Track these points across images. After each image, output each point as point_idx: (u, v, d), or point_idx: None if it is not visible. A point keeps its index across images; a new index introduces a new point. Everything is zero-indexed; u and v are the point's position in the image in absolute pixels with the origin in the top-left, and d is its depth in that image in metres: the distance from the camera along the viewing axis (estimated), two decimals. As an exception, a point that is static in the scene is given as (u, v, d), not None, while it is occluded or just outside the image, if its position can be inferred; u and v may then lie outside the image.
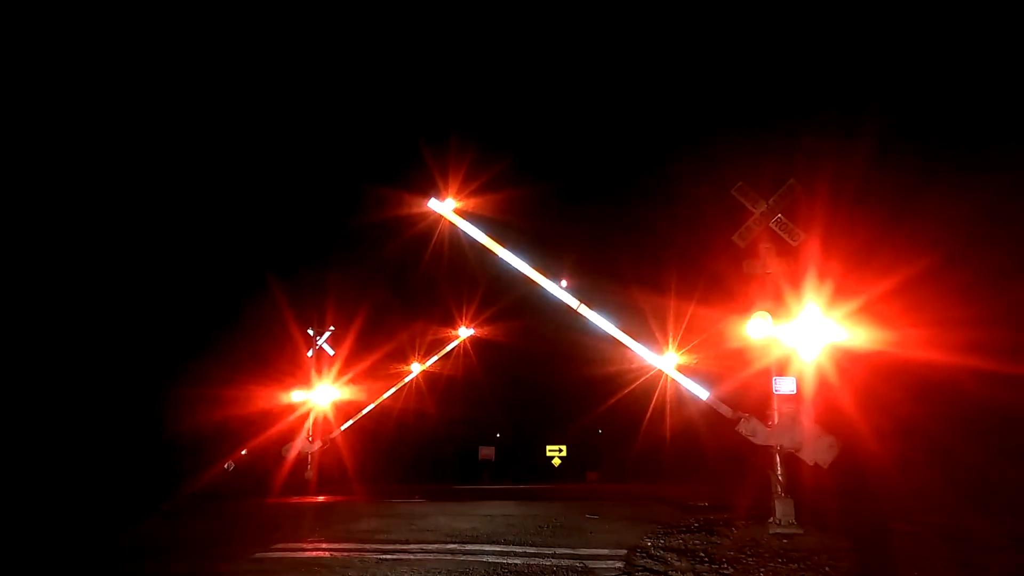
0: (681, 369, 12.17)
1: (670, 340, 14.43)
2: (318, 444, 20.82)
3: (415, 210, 16.50)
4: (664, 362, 12.31)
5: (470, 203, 15.51)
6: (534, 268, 13.84)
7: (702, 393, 11.65)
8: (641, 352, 12.40)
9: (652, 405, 19.61)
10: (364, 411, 21.82)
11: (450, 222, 14.98)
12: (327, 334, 21.84)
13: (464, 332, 23.28)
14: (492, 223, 15.51)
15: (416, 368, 22.65)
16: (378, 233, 21.05)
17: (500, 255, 14.01)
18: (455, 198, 15.29)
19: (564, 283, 13.67)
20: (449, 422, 25.71)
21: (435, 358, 22.99)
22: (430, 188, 15.72)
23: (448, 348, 23.15)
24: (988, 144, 15.74)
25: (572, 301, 13.03)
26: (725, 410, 11.35)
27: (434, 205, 15.17)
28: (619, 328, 12.49)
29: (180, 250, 22.39)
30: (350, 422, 21.60)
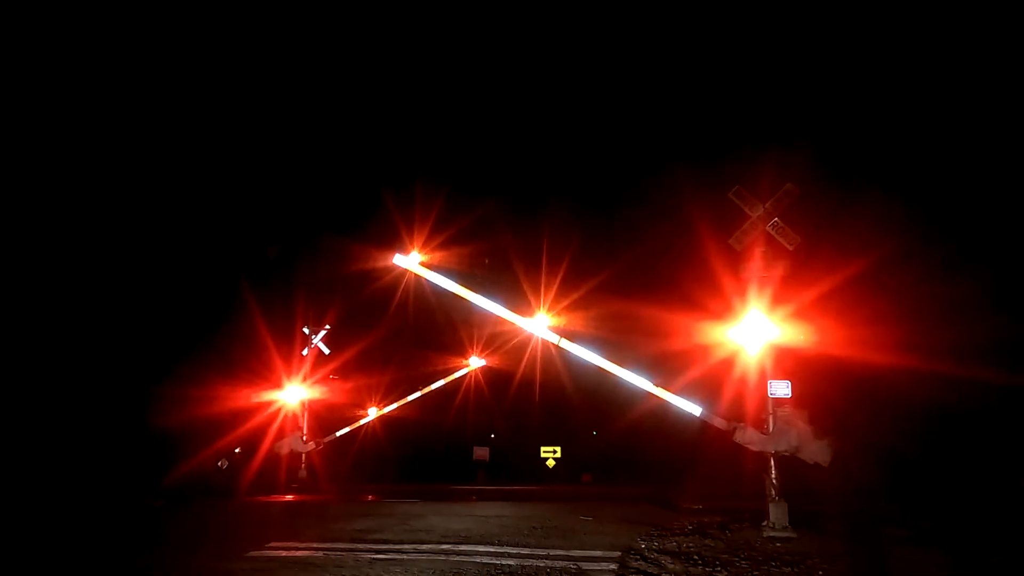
0: (670, 388, 12.38)
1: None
2: (312, 445, 20.80)
3: (380, 264, 16.90)
4: (649, 384, 12.49)
5: (436, 255, 15.90)
6: (511, 309, 14.36)
7: (695, 410, 11.86)
8: (630, 378, 12.64)
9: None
10: (361, 422, 22.02)
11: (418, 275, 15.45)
12: (323, 332, 21.82)
13: (475, 362, 23.52)
14: (463, 272, 15.86)
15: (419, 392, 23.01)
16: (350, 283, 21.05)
17: (474, 302, 14.26)
18: (420, 251, 15.68)
19: (547, 324, 14.13)
20: (443, 426, 25.69)
21: (442, 382, 23.19)
22: (393, 239, 16.21)
23: (457, 375, 23.39)
24: (929, 145, 16.45)
25: (553, 338, 13.56)
26: (719, 422, 11.56)
27: (399, 261, 15.49)
28: (605, 357, 12.90)
29: (164, 249, 22.32)
30: (346, 430, 21.64)
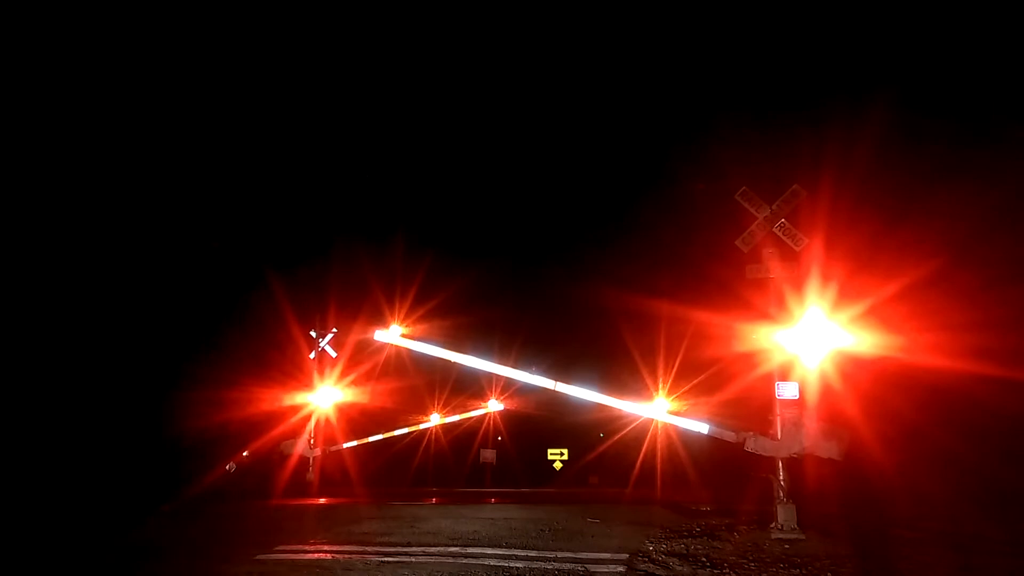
0: (675, 412, 12.36)
1: (660, 386, 14.93)
2: (318, 451, 20.82)
3: (363, 338, 17.18)
4: (655, 409, 12.51)
5: (418, 326, 16.25)
6: (502, 362, 14.73)
7: (702, 428, 11.80)
8: (629, 407, 12.69)
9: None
10: (372, 438, 22.16)
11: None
12: (329, 336, 21.85)
13: (494, 405, 23.75)
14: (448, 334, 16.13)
15: (435, 419, 23.27)
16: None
17: (461, 363, 14.52)
18: (401, 324, 15.99)
19: (534, 369, 14.50)
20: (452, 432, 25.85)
21: (458, 416, 23.43)
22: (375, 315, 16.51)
23: (474, 413, 23.67)
24: (996, 144, 15.74)
25: (548, 383, 13.59)
26: (729, 436, 11.42)
27: (380, 336, 15.72)
28: (603, 390, 13.09)
29: (180, 252, 22.41)
30: (355, 443, 21.71)
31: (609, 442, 22.11)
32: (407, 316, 16.34)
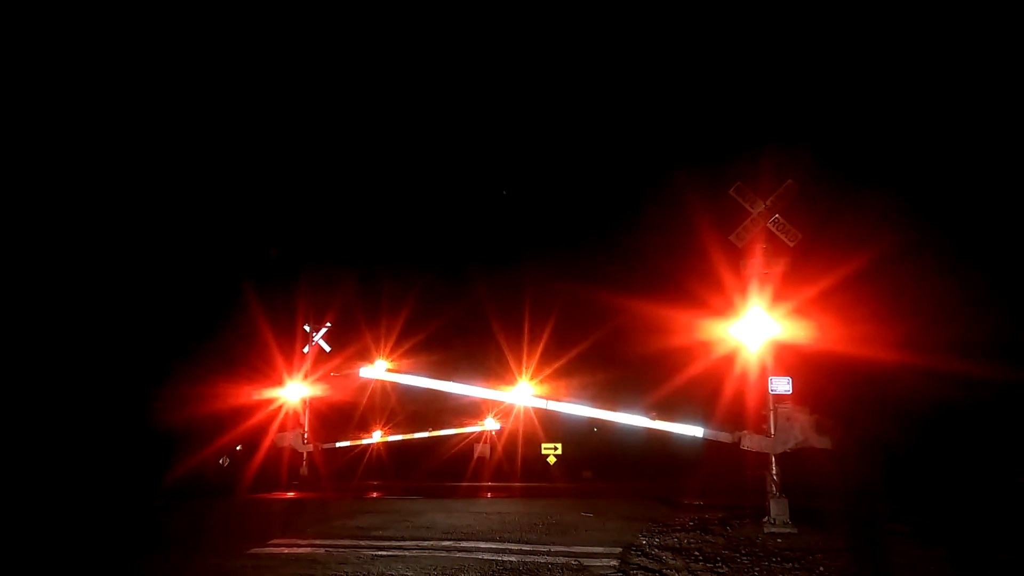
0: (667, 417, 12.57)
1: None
2: (311, 447, 20.80)
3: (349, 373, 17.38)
4: (646, 420, 12.71)
5: (403, 360, 16.42)
6: (493, 387, 14.96)
7: (696, 431, 11.95)
8: (622, 418, 12.87)
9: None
10: (368, 440, 22.16)
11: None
12: (323, 330, 21.81)
13: (491, 424, 23.87)
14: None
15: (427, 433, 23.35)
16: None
17: (450, 391, 14.77)
18: (386, 358, 16.16)
19: (528, 389, 14.70)
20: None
21: (453, 431, 23.57)
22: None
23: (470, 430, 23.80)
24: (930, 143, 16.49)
25: (541, 403, 14.24)
26: (724, 437, 11.65)
27: (366, 372, 15.93)
28: (594, 404, 13.40)
29: (164, 247, 22.36)
30: (347, 443, 21.71)
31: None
32: (392, 350, 16.75)
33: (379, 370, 16.36)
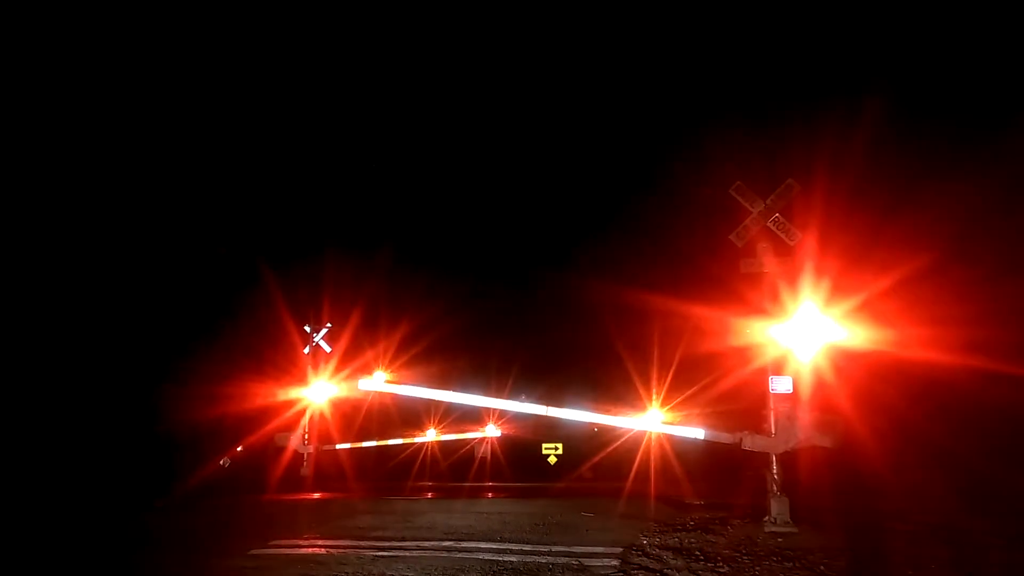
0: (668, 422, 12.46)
1: (653, 396, 15.13)
2: (310, 448, 20.78)
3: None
4: (650, 422, 12.61)
5: (401, 372, 16.56)
6: (491, 395, 15.14)
7: (697, 434, 11.84)
8: (623, 422, 12.82)
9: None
10: (367, 444, 22.18)
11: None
12: (324, 330, 21.79)
13: (492, 431, 23.92)
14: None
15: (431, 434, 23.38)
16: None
17: (451, 400, 14.81)
18: (385, 370, 16.28)
19: (523, 397, 14.77)
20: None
21: (455, 436, 23.59)
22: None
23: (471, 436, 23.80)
24: (988, 138, 15.75)
25: (540, 409, 13.89)
26: (725, 438, 11.46)
27: (365, 384, 16.02)
28: (596, 404, 13.75)
29: (173, 245, 22.34)
30: (349, 445, 21.68)
31: (607, 449, 22.19)
32: (392, 360, 16.90)
33: (378, 382, 16.49)
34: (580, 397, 15.42)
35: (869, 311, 10.80)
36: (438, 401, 19.12)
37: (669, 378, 16.96)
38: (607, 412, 13.60)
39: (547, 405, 13.77)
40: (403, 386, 16.23)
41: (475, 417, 24.74)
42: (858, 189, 10.93)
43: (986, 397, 13.31)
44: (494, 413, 24.06)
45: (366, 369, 17.26)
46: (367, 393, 17.47)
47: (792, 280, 10.80)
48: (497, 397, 15.81)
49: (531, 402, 14.91)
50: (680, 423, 12.72)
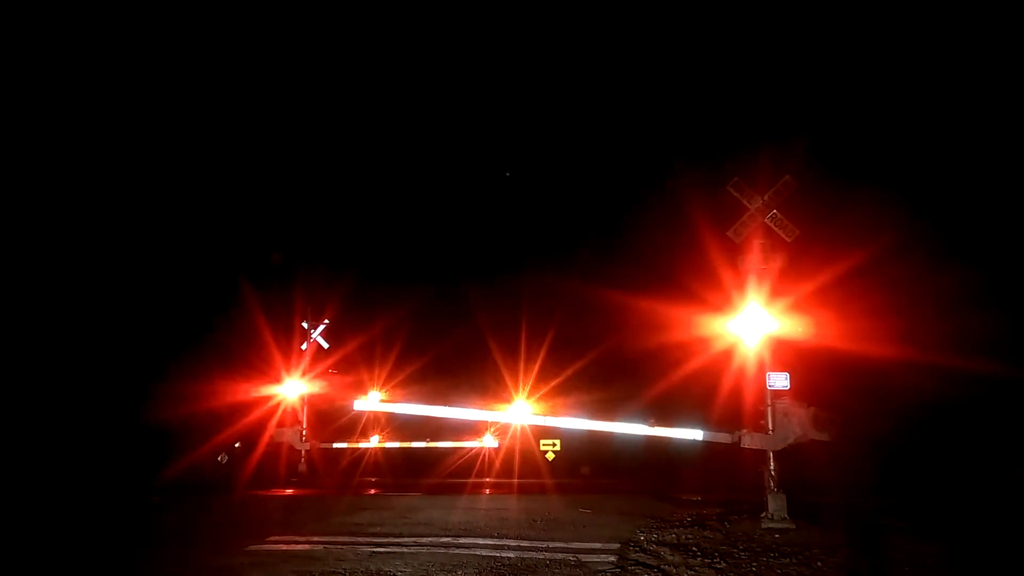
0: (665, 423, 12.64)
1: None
2: (308, 445, 20.77)
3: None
4: (645, 429, 12.81)
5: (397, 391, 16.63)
6: (487, 408, 15.27)
7: (695, 434, 11.99)
8: (621, 428, 12.95)
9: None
10: (365, 444, 22.15)
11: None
12: (321, 327, 21.77)
13: (489, 441, 23.92)
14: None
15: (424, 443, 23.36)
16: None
17: (445, 415, 14.94)
18: (380, 389, 16.38)
19: (526, 407, 14.95)
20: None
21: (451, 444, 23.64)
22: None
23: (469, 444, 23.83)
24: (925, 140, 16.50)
25: (540, 420, 14.68)
26: (723, 438, 11.65)
27: (360, 404, 16.03)
28: (590, 417, 13.83)
29: (162, 244, 22.32)
30: (346, 445, 21.65)
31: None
32: (387, 380, 17.06)
33: (373, 401, 16.63)
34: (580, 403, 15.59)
35: (809, 305, 11.38)
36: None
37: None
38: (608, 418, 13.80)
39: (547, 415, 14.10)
40: (399, 404, 16.52)
41: (472, 429, 24.67)
42: (799, 188, 11.34)
43: (915, 386, 14.12)
44: (490, 424, 23.98)
45: (360, 388, 17.37)
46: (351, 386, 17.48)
47: (775, 275, 11.39)
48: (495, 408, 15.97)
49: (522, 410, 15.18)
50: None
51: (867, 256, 13.57)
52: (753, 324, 11.27)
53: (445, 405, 15.31)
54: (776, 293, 11.26)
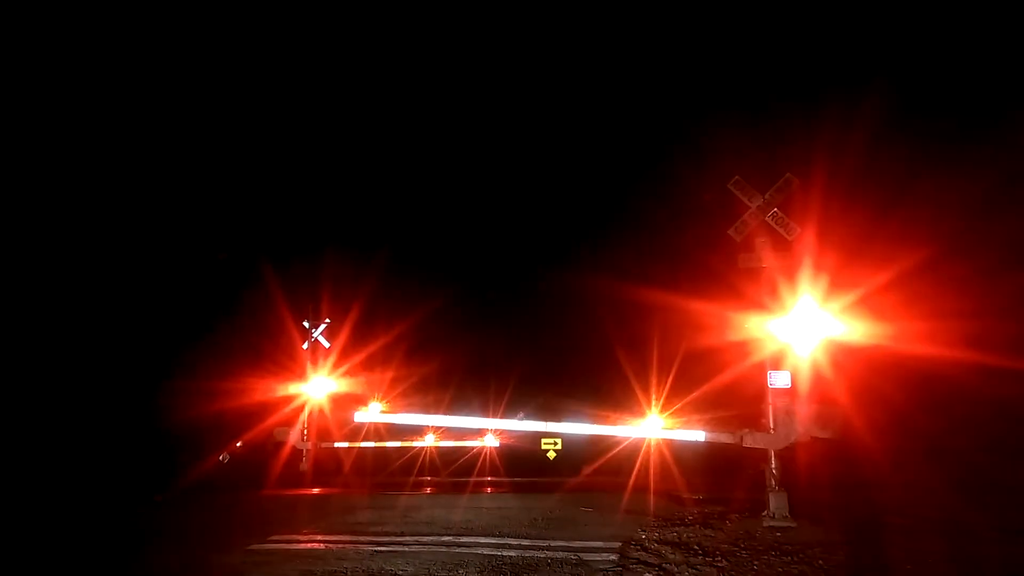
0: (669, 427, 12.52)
1: (653, 402, 15.12)
2: (308, 444, 20.75)
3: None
4: (649, 428, 12.67)
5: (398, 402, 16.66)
6: (486, 415, 15.09)
7: (698, 436, 11.87)
8: (622, 431, 12.87)
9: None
10: (364, 444, 22.13)
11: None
12: (322, 326, 21.75)
13: (490, 441, 23.89)
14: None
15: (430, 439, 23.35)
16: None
17: (445, 424, 14.89)
18: (381, 401, 16.43)
19: (521, 415, 14.83)
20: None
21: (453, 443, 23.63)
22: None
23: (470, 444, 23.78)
24: (987, 133, 15.69)
25: (539, 425, 14.54)
26: (726, 438, 11.50)
27: (360, 416, 16.06)
28: (596, 411, 13.77)
29: (173, 241, 22.33)
30: (347, 444, 21.62)
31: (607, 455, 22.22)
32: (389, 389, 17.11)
33: (374, 413, 16.66)
34: (580, 404, 15.40)
35: (867, 305, 10.78)
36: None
37: (669, 381, 16.87)
38: (607, 421, 13.66)
39: (546, 420, 13.95)
40: (399, 414, 16.59)
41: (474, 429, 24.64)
42: (857, 183, 10.84)
43: (983, 391, 13.28)
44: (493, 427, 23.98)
45: (361, 401, 17.40)
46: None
47: (791, 275, 10.78)
48: (494, 415, 15.89)
49: (529, 417, 15.02)
50: (680, 427, 12.73)
51: (931, 254, 12.95)
52: (808, 326, 10.35)
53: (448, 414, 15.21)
54: (831, 291, 10.47)
